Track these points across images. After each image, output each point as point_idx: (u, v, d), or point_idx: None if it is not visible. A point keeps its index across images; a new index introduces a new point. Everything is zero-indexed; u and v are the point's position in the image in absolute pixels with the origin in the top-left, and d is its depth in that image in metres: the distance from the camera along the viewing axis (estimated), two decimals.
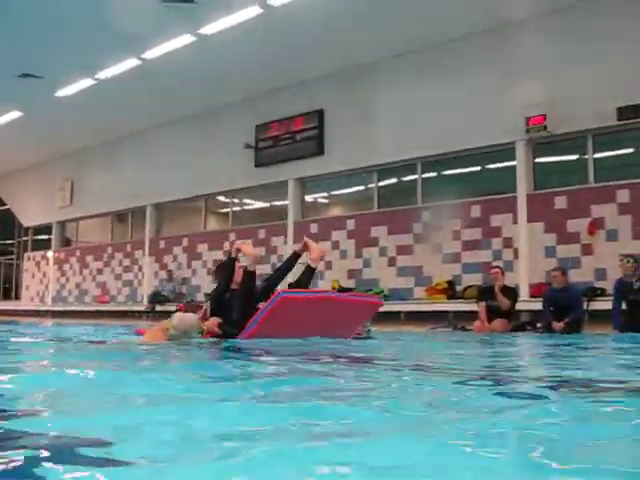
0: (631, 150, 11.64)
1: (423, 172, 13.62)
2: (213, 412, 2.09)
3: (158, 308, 17.24)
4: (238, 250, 6.72)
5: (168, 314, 16.53)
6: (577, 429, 1.92)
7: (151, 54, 13.62)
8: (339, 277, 14.07)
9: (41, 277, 23.29)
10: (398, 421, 2.01)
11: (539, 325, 10.06)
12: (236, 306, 6.43)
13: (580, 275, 10.76)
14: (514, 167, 12.08)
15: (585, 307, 9.99)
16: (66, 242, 23.16)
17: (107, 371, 3.32)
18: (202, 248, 17.46)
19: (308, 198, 15.98)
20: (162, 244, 18.70)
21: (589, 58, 11.07)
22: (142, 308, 17.90)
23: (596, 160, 11.46)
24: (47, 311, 21.76)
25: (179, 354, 4.82)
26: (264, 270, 15.15)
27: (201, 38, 12.78)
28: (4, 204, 25.08)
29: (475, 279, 12.22)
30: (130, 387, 2.67)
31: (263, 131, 16.04)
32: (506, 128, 11.89)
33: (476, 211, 12.49)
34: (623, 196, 10.90)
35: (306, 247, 7.13)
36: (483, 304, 10.41)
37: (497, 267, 10.62)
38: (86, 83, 15.32)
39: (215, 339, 6.07)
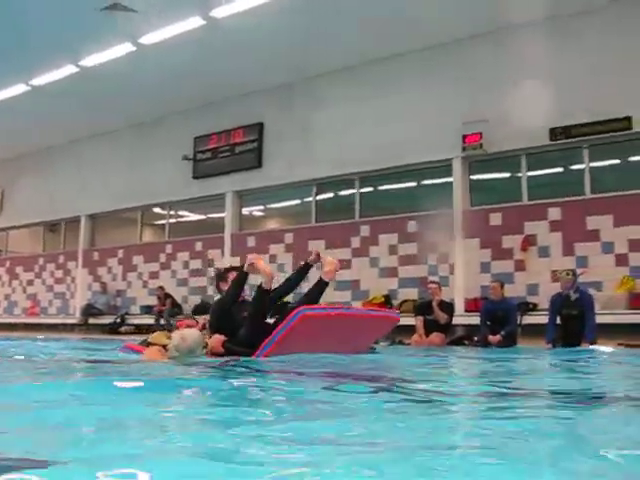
0: (562, 169, 12.00)
1: (361, 187, 13.74)
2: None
3: (91, 321, 16.91)
4: (251, 266, 6.04)
5: (102, 327, 16.31)
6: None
7: (89, 62, 13.38)
8: None
9: None
10: None
11: (476, 339, 10.22)
12: (242, 322, 5.94)
13: (513, 290, 10.98)
14: (451, 184, 12.30)
15: (518, 321, 10.21)
16: None
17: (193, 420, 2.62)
18: (138, 260, 17.18)
19: (246, 211, 15.92)
20: (96, 256, 18.31)
21: (523, 79, 11.39)
22: (74, 321, 17.49)
23: (529, 178, 11.78)
24: None
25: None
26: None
27: (141, 47, 12.64)
28: None
29: (411, 294, 12.36)
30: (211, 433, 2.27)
31: (202, 143, 15.93)
32: (443, 145, 12.12)
33: (413, 226, 12.65)
34: (554, 214, 11.22)
35: (318, 259, 6.72)
36: (421, 318, 10.51)
37: (435, 282, 10.72)
38: (19, 89, 14.92)
39: (223, 358, 5.50)
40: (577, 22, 11.07)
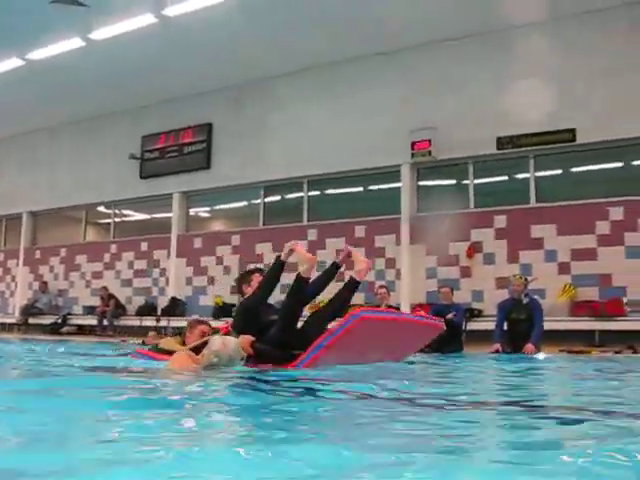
0: (507, 178, 12.20)
1: (310, 190, 13.74)
2: None
3: (31, 321, 16.51)
4: (291, 251, 5.58)
5: (42, 327, 15.88)
6: None
7: (36, 55, 13.04)
8: (222, 293, 13.90)
9: None
10: None
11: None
12: (269, 324, 5.45)
13: (459, 296, 11.08)
14: (399, 189, 12.40)
15: (464, 327, 10.33)
16: None
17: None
18: (81, 259, 16.84)
19: (193, 212, 15.77)
20: (38, 254, 17.89)
21: (472, 89, 11.61)
22: (13, 321, 17.06)
23: (476, 186, 11.94)
24: None
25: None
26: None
27: (91, 43, 12.37)
28: None
29: (358, 298, 12.34)
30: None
31: (150, 142, 15.72)
32: (393, 151, 12.21)
33: (361, 231, 12.70)
34: (500, 221, 11.40)
35: (349, 257, 6.23)
36: None
37: (383, 287, 10.72)
38: None
39: (267, 369, 5.00)
40: (523, 34, 11.25)
